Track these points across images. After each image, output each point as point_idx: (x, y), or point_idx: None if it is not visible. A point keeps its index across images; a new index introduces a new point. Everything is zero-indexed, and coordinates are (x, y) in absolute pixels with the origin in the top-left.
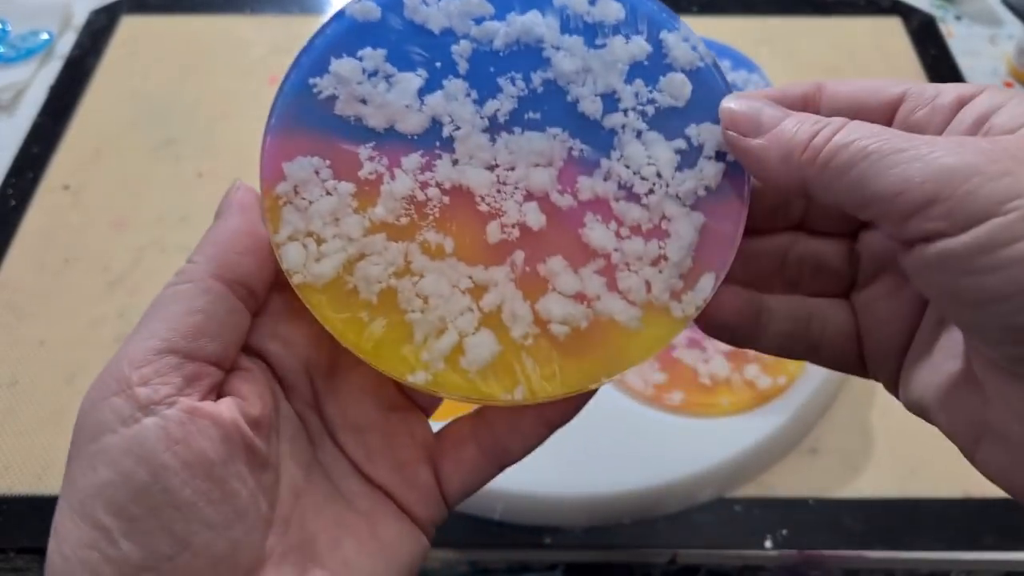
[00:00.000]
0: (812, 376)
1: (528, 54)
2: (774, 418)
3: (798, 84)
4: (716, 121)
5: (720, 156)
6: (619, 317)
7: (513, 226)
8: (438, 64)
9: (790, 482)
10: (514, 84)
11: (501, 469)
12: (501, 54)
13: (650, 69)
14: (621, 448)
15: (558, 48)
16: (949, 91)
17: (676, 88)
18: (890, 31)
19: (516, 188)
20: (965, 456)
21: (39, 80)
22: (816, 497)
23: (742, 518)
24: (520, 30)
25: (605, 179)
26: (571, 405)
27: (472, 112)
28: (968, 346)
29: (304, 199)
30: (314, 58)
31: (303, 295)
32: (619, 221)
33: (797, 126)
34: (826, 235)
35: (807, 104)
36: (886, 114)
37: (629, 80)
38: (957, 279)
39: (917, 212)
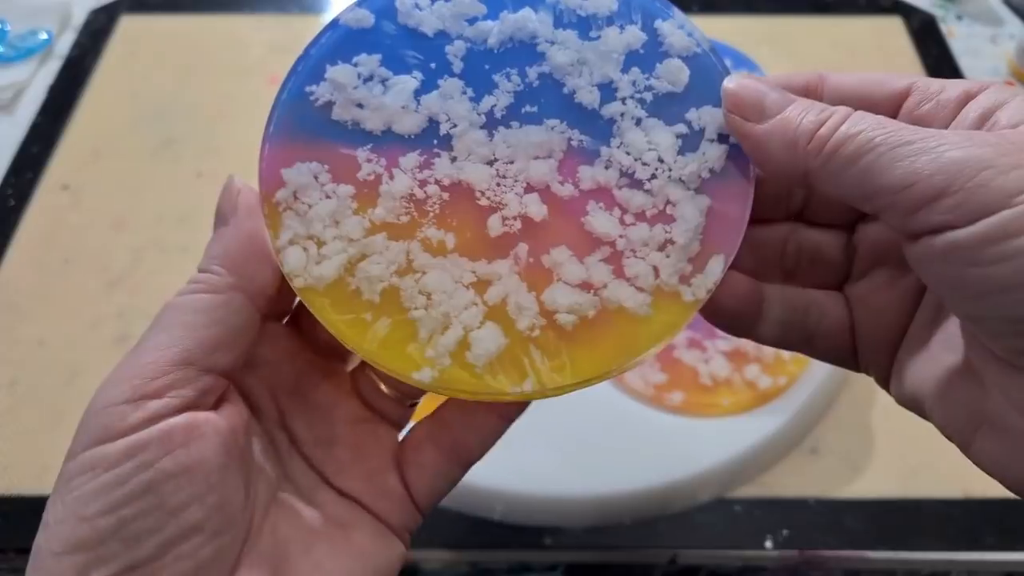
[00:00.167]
0: (813, 376)
1: (523, 50)
2: (774, 418)
3: (800, 74)
4: (716, 105)
5: (723, 138)
6: (628, 304)
7: (515, 218)
8: (433, 65)
9: (790, 482)
10: (509, 79)
11: (464, 468)
12: (495, 52)
13: (646, 57)
14: (621, 448)
15: (552, 42)
16: (955, 86)
17: (673, 74)
18: (891, 31)
19: (516, 181)
20: (960, 448)
21: (38, 80)
22: (817, 497)
23: (742, 518)
24: (513, 27)
25: (606, 167)
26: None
27: (468, 109)
28: (968, 338)
29: (304, 203)
30: (310, 66)
31: (305, 298)
32: (623, 208)
33: (802, 114)
34: (824, 226)
35: (809, 94)
36: (892, 107)
37: (625, 69)
38: (963, 270)
39: (925, 205)
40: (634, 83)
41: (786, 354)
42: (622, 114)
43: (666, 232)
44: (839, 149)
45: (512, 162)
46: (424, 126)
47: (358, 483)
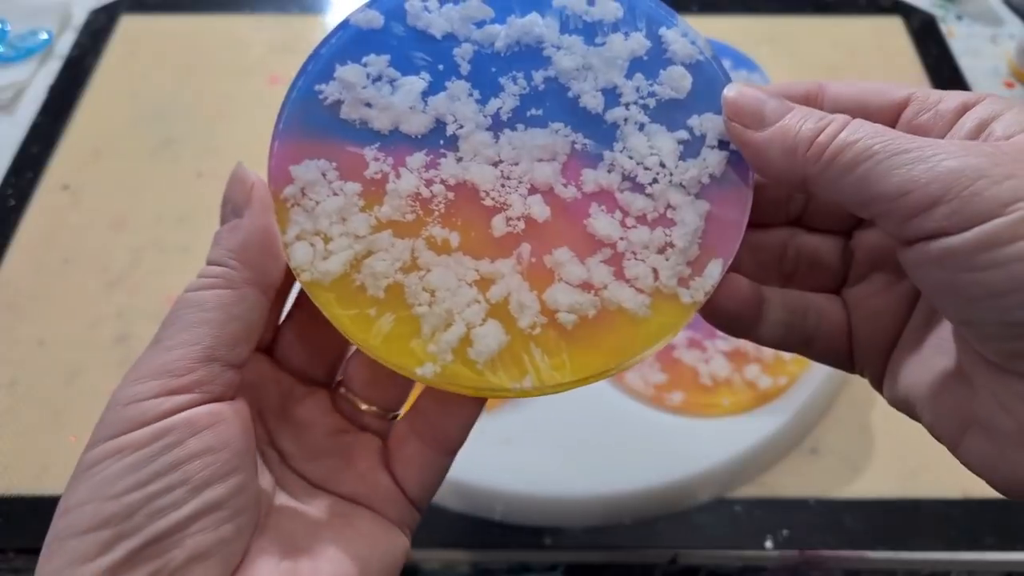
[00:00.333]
0: (813, 376)
1: (529, 54)
2: (774, 418)
3: (800, 83)
4: (718, 112)
5: (723, 145)
6: (627, 305)
7: (518, 219)
8: (441, 67)
9: (790, 482)
10: (516, 83)
11: (449, 455)
12: (502, 55)
13: (650, 64)
14: (621, 448)
15: (558, 47)
16: (953, 97)
17: (676, 81)
18: (891, 31)
19: (520, 182)
20: (948, 448)
21: (38, 80)
22: (817, 497)
23: (742, 518)
24: (520, 31)
25: (609, 171)
26: None
27: (475, 111)
28: (959, 341)
29: (311, 200)
30: (320, 66)
31: (311, 292)
32: (624, 211)
33: (801, 121)
34: (823, 232)
35: (808, 103)
36: (890, 116)
37: (629, 75)
38: (956, 275)
39: (921, 212)
40: (638, 89)
41: (786, 354)
42: (625, 119)
43: (666, 235)
44: (837, 156)
45: (517, 164)
46: (431, 126)
47: (351, 486)
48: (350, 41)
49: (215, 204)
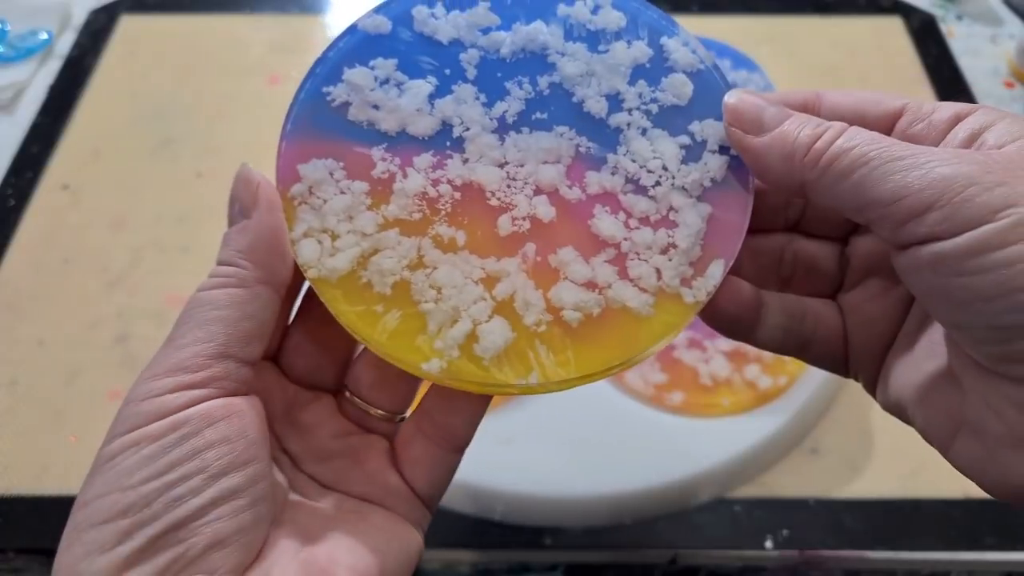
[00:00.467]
0: (812, 376)
1: (534, 60)
2: (774, 418)
3: (798, 92)
4: (718, 118)
5: (724, 150)
6: (631, 303)
7: (524, 219)
8: (447, 71)
9: (790, 482)
10: (521, 87)
11: (457, 453)
12: (508, 61)
13: (652, 71)
14: (621, 448)
15: (563, 54)
16: (946, 108)
17: (678, 88)
18: (891, 31)
19: (526, 183)
20: (939, 450)
21: (38, 80)
22: (816, 497)
23: (742, 518)
24: (525, 38)
25: (612, 173)
26: None
27: (481, 114)
28: (950, 345)
29: (319, 198)
30: (328, 68)
31: (318, 289)
32: (627, 212)
33: (799, 128)
34: (819, 238)
35: (806, 111)
36: (885, 126)
37: (632, 82)
38: (948, 279)
39: (914, 217)
40: (640, 95)
41: None
42: (628, 124)
43: (669, 236)
44: (834, 162)
45: (522, 165)
46: (437, 128)
47: (362, 486)
48: (358, 45)
49: (215, 204)
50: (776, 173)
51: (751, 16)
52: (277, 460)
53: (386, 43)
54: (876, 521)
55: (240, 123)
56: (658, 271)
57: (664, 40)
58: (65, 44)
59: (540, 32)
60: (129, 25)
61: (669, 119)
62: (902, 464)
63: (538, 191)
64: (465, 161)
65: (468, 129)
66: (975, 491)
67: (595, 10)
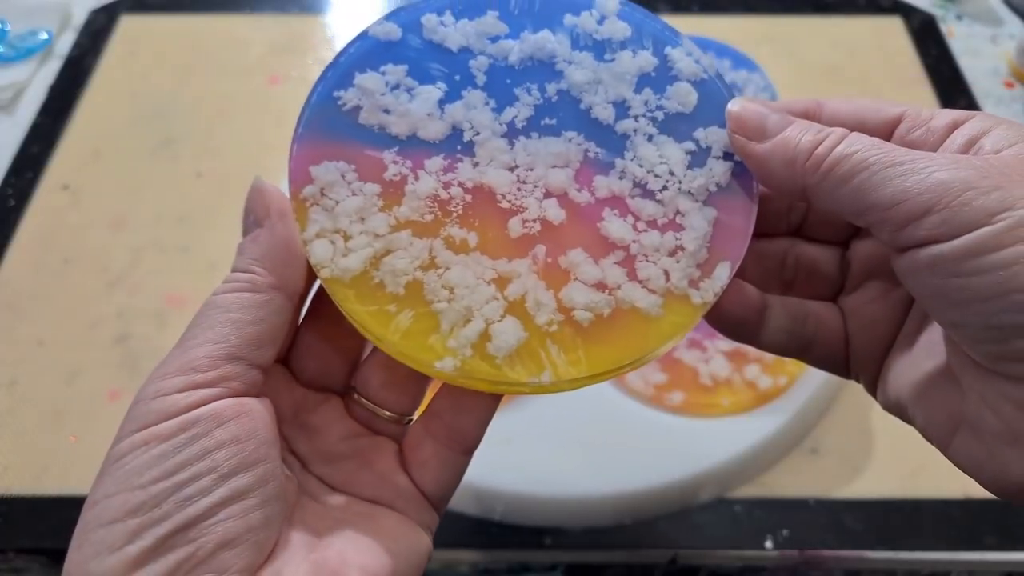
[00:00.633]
0: (812, 376)
1: (542, 68)
2: (774, 418)
3: (799, 100)
4: (722, 125)
5: (728, 156)
6: (641, 304)
7: (534, 221)
8: (457, 77)
9: (790, 482)
10: (530, 94)
11: (467, 454)
12: (516, 68)
13: (657, 80)
14: (621, 448)
15: (570, 62)
16: (944, 115)
17: (683, 96)
18: (891, 31)
19: (536, 186)
20: (939, 448)
21: (38, 80)
22: (817, 497)
23: (742, 518)
24: (533, 47)
25: (620, 177)
26: None
27: (491, 119)
28: (949, 345)
29: (331, 200)
30: (339, 73)
31: (330, 289)
32: (635, 216)
33: (801, 134)
34: (821, 242)
35: (807, 118)
36: (885, 132)
37: (638, 90)
38: (946, 281)
39: (913, 220)
40: (646, 103)
41: None
42: (635, 130)
43: (676, 239)
44: (835, 168)
45: (532, 169)
46: (448, 133)
47: (371, 487)
48: (369, 51)
49: (215, 204)
50: (779, 178)
51: (751, 16)
52: (286, 462)
53: (396, 49)
54: (876, 521)
55: (240, 123)
56: (666, 273)
57: (668, 50)
58: (65, 44)
59: (548, 41)
60: (129, 25)
61: (674, 126)
62: (902, 464)
63: (548, 194)
64: (476, 165)
65: (478, 133)
66: (975, 491)
67: (601, 20)
